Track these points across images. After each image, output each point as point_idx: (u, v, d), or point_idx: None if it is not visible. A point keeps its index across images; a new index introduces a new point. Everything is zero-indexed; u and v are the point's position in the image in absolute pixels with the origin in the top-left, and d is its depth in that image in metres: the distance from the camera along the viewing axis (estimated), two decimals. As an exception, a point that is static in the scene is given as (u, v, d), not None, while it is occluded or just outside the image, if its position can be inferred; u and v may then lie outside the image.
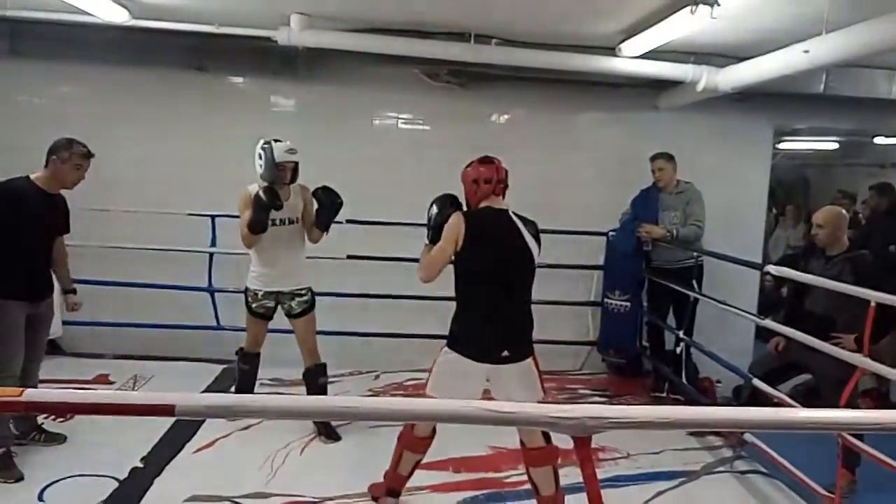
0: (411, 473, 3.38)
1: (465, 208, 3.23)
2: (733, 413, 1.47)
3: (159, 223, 5.41)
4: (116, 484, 3.47)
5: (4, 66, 5.37)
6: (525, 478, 3.76)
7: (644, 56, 4.66)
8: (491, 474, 3.84)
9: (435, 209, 3.31)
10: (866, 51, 3.50)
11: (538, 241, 3.16)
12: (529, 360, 3.12)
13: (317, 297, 5.37)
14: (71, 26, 4.83)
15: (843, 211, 4.28)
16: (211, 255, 5.39)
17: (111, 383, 4.95)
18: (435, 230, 3.23)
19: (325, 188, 4.08)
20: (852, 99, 5.42)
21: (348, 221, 5.39)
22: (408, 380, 5.31)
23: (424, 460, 3.82)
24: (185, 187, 5.50)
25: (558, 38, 4.80)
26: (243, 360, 4.31)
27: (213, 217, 5.37)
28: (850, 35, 3.46)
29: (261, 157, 3.99)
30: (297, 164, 4.05)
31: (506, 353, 3.04)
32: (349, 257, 5.43)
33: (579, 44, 4.84)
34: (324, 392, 4.27)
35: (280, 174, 3.97)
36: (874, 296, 3.30)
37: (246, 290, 4.16)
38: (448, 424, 3.95)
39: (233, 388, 4.44)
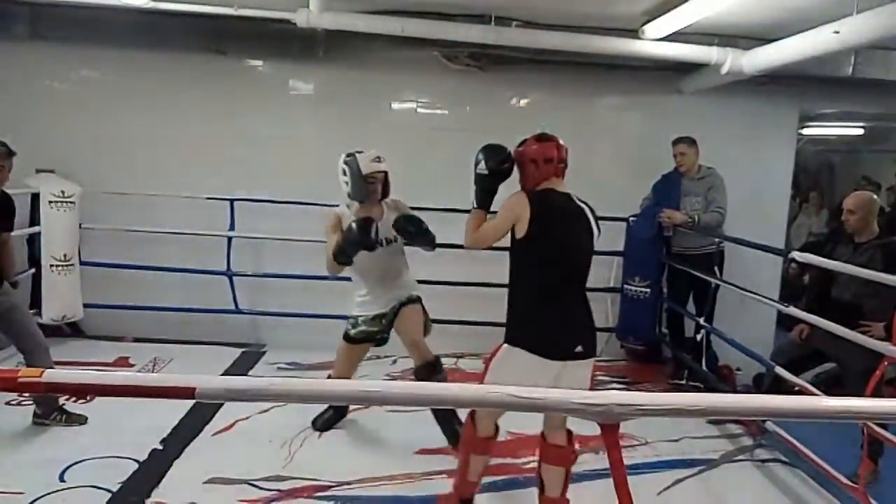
0: (481, 477, 3.18)
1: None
2: (761, 401, 1.42)
3: (178, 207, 5.42)
4: (136, 465, 3.49)
5: (25, 50, 5.38)
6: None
7: (667, 38, 4.58)
8: (509, 460, 3.82)
9: (484, 164, 2.96)
10: (899, 31, 3.41)
11: (598, 227, 2.99)
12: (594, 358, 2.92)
13: (336, 282, 5.40)
14: (91, 9, 4.83)
15: (875, 196, 4.20)
16: (230, 238, 5.40)
17: (132, 366, 4.99)
18: (485, 193, 2.97)
19: (405, 218, 3.70)
20: (880, 82, 5.30)
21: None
22: (425, 364, 5.29)
23: (440, 445, 3.84)
24: (204, 171, 5.50)
25: (580, 19, 4.73)
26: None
27: (231, 201, 5.37)
28: (883, 15, 3.37)
29: (345, 174, 3.68)
30: (386, 174, 3.74)
31: (580, 347, 2.82)
32: (368, 242, 5.40)
33: (601, 26, 4.77)
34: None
35: (370, 188, 3.68)
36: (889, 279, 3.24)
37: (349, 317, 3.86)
38: (464, 411, 3.98)
39: (312, 419, 4.09)
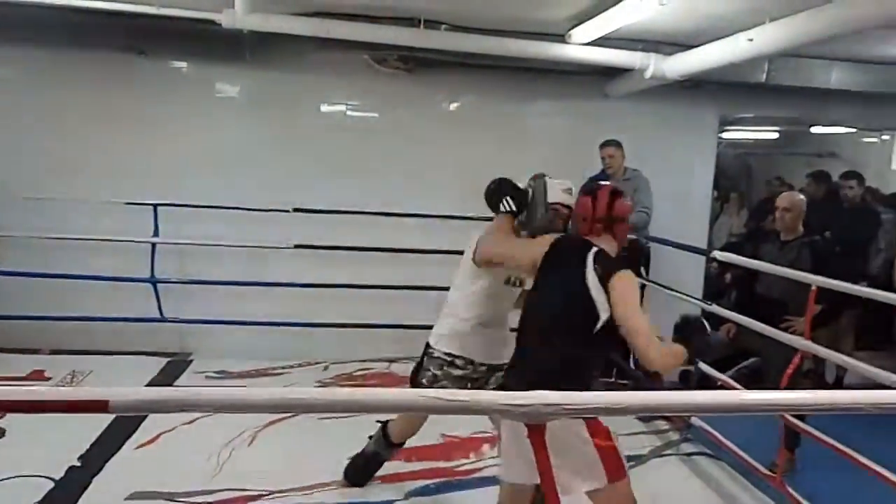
0: None
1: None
2: (684, 397, 1.47)
3: (99, 212, 5.20)
4: (52, 484, 3.33)
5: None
6: (475, 466, 3.80)
7: (593, 43, 4.67)
8: (442, 463, 3.82)
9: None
10: (806, 39, 3.58)
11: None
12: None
13: (266, 287, 5.31)
14: (3, 5, 4.58)
15: (803, 197, 4.40)
16: (153, 244, 5.22)
17: (47, 379, 4.76)
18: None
19: None
20: (792, 88, 5.56)
21: (296, 210, 5.31)
22: (358, 370, 5.26)
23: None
24: (126, 174, 5.30)
25: (508, 24, 4.77)
26: (385, 446, 3.44)
27: (155, 206, 5.19)
28: (792, 24, 3.53)
29: (528, 195, 3.07)
30: (570, 211, 3.03)
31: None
32: (297, 246, 5.32)
33: (529, 30, 4.82)
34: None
35: (549, 216, 3.06)
36: (818, 280, 3.39)
37: (455, 357, 3.10)
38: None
39: (348, 463, 3.56)
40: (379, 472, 3.60)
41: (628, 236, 2.83)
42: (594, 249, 2.52)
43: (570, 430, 2.31)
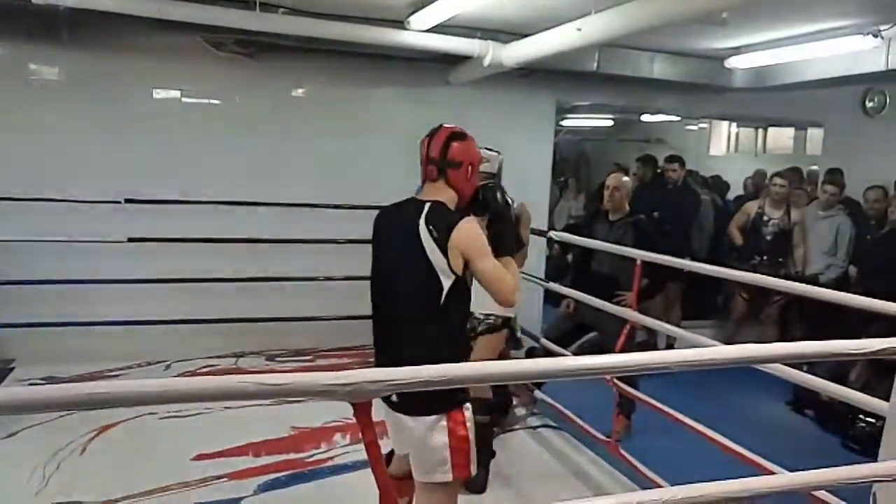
0: None
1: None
2: (514, 366, 1.51)
3: None
4: None
5: None
6: (327, 455, 3.76)
7: (432, 30, 4.71)
8: (293, 455, 3.75)
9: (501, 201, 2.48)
10: (629, 29, 3.79)
11: None
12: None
13: (99, 286, 4.94)
14: None
15: (629, 178, 4.69)
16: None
17: None
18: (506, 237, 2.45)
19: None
20: (621, 78, 5.89)
21: (127, 201, 4.99)
22: (202, 367, 5.03)
23: (220, 448, 3.69)
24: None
25: (348, 8, 4.71)
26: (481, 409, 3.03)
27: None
28: (615, 14, 3.75)
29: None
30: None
31: (393, 396, 2.27)
32: (131, 240, 4.99)
33: (369, 16, 4.79)
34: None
35: None
36: (641, 254, 3.66)
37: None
38: (247, 409, 3.85)
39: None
40: (227, 470, 3.49)
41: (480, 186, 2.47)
42: (427, 207, 2.23)
43: (430, 427, 2.21)
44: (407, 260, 2.22)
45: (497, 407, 3.82)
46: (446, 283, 2.19)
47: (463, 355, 2.40)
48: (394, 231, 2.32)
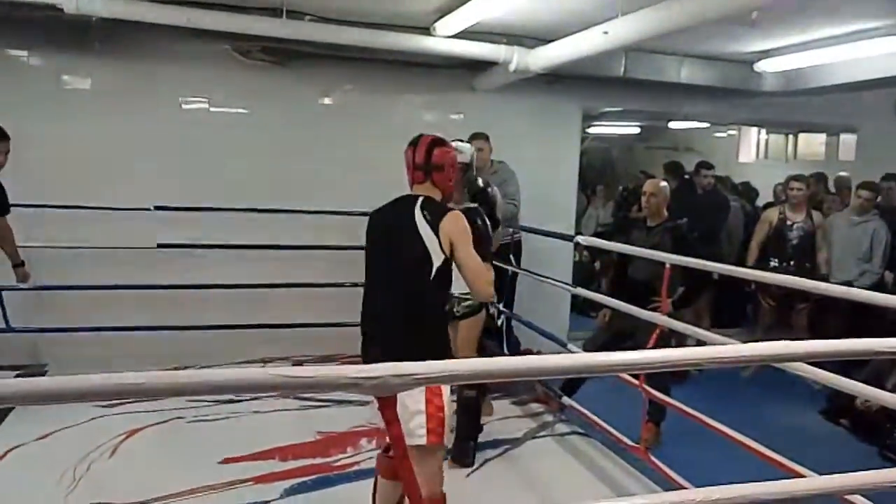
0: None
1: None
2: (540, 361, 1.47)
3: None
4: None
5: None
6: (353, 460, 3.76)
7: (458, 36, 4.73)
8: (319, 460, 3.75)
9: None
10: (656, 32, 3.77)
11: None
12: None
13: (128, 291, 5.00)
14: None
15: (666, 183, 4.63)
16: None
17: None
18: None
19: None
20: (649, 83, 5.84)
21: (157, 208, 5.05)
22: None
23: (247, 452, 3.70)
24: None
25: (373, 15, 4.74)
26: (468, 385, 3.74)
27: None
28: (644, 17, 3.72)
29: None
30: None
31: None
32: (160, 246, 5.05)
33: (395, 23, 4.82)
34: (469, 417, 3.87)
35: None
36: (677, 260, 3.57)
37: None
38: (274, 415, 3.87)
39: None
40: (253, 474, 3.50)
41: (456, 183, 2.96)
42: (420, 199, 2.61)
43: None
44: (402, 240, 2.58)
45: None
46: (436, 261, 2.53)
47: (443, 331, 2.71)
48: (391, 220, 2.68)
